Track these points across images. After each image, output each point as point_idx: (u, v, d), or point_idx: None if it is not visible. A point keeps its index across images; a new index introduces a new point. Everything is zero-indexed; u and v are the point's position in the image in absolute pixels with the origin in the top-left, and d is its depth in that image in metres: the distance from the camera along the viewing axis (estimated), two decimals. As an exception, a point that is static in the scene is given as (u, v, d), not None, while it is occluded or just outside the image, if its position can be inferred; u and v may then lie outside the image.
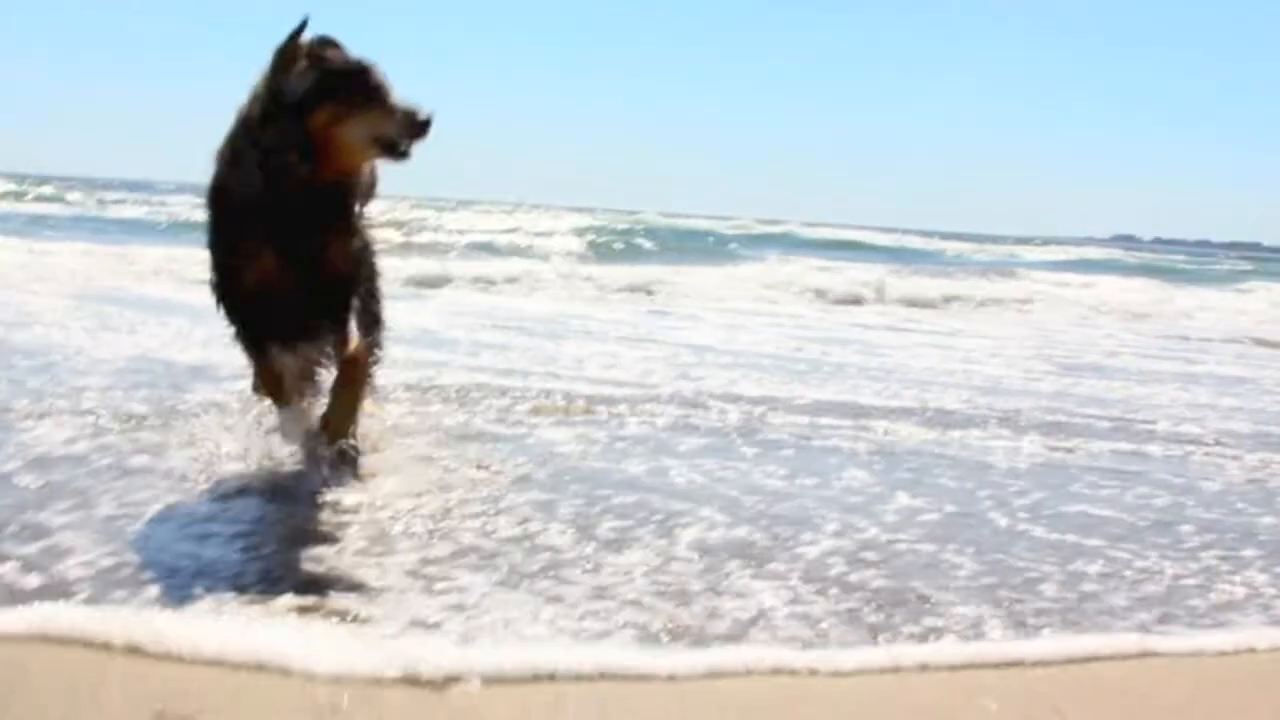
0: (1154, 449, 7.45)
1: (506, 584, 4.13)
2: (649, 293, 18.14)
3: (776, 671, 3.57)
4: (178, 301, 11.66)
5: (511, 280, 18.20)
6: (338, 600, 3.86)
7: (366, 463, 5.32)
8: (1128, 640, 3.99)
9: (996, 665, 3.75)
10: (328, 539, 4.49)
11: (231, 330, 5.03)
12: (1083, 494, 6.09)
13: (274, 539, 4.46)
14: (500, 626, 3.73)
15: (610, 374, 9.17)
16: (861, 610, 4.11)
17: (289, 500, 4.92)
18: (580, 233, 31.53)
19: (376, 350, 5.63)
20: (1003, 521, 5.44)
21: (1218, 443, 7.78)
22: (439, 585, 4.07)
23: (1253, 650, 4.02)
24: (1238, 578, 4.82)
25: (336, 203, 4.83)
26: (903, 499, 5.70)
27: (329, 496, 4.94)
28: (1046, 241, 61.23)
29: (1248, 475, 6.86)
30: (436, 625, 3.71)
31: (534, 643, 3.61)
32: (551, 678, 3.37)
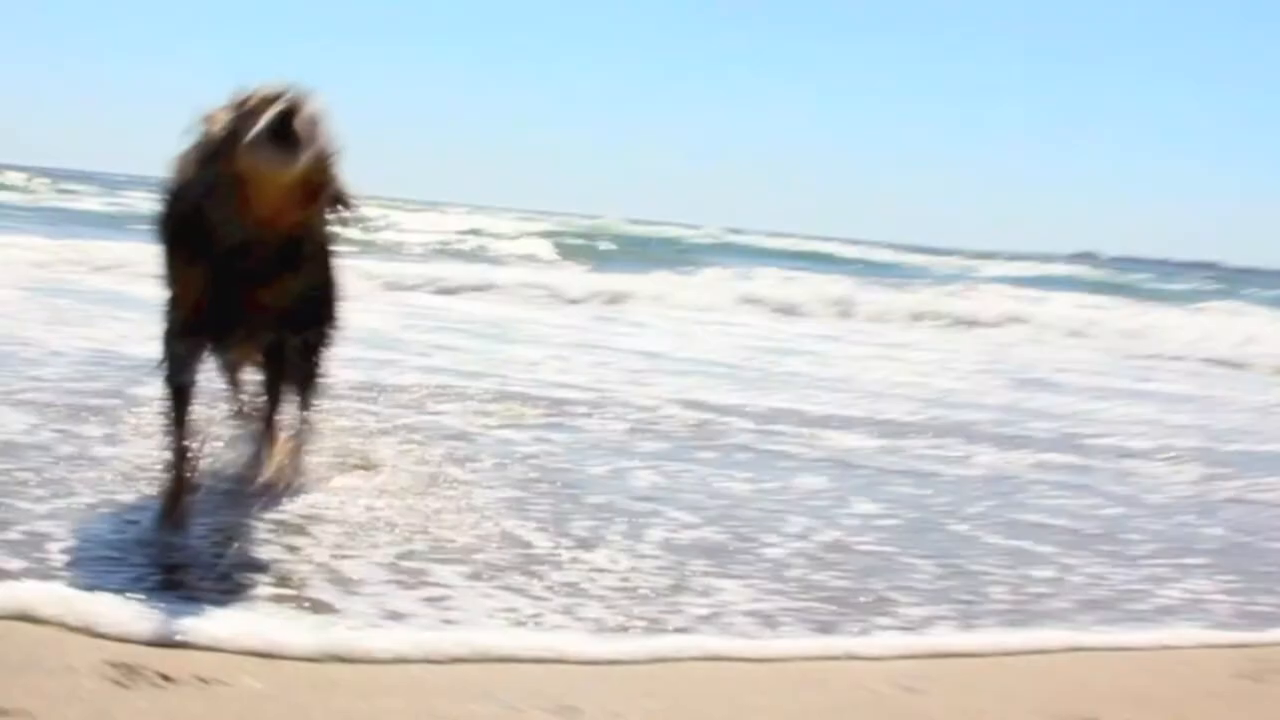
0: (1100, 462, 7.74)
1: (479, 578, 4.35)
2: (604, 299, 18.32)
3: (715, 659, 3.82)
4: (132, 295, 11.77)
5: (466, 283, 18.34)
6: (313, 591, 4.07)
7: (331, 464, 5.55)
8: (1058, 635, 4.28)
9: (933, 656, 4.01)
10: (301, 534, 4.68)
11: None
12: (1033, 503, 6.38)
13: (245, 534, 4.64)
14: (466, 617, 3.95)
15: (565, 378, 9.38)
16: (819, 608, 4.36)
17: (253, 497, 5.08)
18: (540, 237, 31.73)
19: (314, 409, 5.39)
20: (958, 528, 5.72)
21: (1163, 457, 8.07)
22: (412, 580, 4.28)
23: (1169, 647, 4.33)
24: (1181, 584, 5.11)
25: (283, 258, 4.63)
26: (861, 504, 5.96)
27: (296, 496, 5.12)
28: (1008, 256, 61.79)
29: (1192, 489, 7.16)
30: (408, 616, 3.92)
31: (484, 630, 3.86)
32: (498, 661, 3.63)
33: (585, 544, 4.89)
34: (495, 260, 25.54)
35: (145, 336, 9.05)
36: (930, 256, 51.75)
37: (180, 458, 4.70)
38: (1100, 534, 5.85)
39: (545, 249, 29.31)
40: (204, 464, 4.96)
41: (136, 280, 13.09)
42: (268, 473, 5.13)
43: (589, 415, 7.77)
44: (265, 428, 5.24)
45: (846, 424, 8.27)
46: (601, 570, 4.57)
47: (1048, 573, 5.09)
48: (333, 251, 4.97)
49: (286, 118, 4.23)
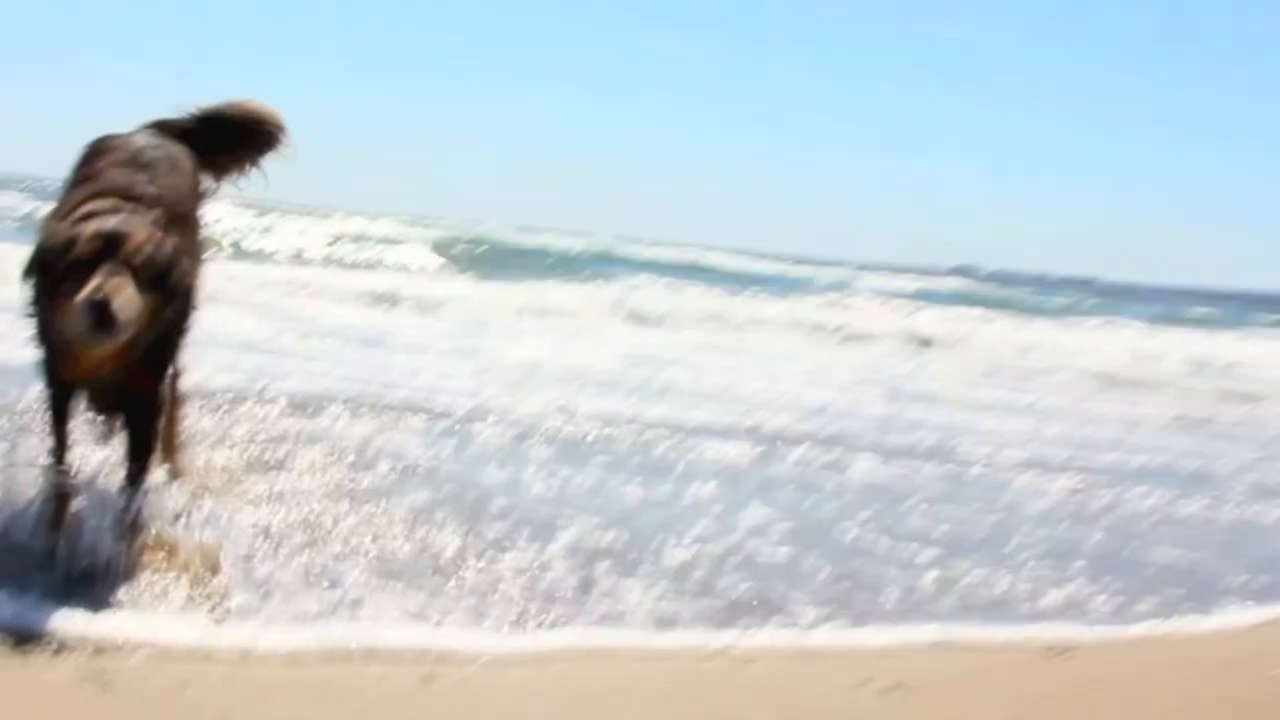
0: (978, 472, 8.13)
1: (391, 578, 4.60)
2: (482, 307, 18.46)
3: (592, 655, 4.13)
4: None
5: (344, 289, 18.36)
6: (232, 596, 4.26)
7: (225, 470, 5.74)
8: (928, 630, 4.64)
9: (816, 651, 4.34)
10: (204, 538, 4.80)
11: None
12: (917, 510, 6.74)
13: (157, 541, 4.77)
14: (370, 615, 4.19)
15: (447, 386, 9.57)
16: (721, 606, 4.69)
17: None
18: (421, 243, 31.73)
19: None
20: (851, 532, 6.06)
21: (1038, 468, 8.50)
22: (323, 583, 4.48)
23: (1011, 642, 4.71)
24: (1069, 586, 5.51)
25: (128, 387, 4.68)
26: (754, 511, 6.25)
27: (201, 507, 5.27)
28: (888, 269, 62.80)
29: (1066, 497, 7.59)
30: (318, 616, 4.14)
31: (381, 626, 4.11)
32: (388, 656, 3.90)
33: (495, 547, 5.11)
34: (374, 266, 25.58)
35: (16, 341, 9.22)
36: (812, 267, 52.42)
37: (60, 462, 4.79)
38: (983, 540, 6.22)
39: (426, 255, 29.35)
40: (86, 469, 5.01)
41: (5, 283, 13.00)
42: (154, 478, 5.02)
43: (476, 423, 7.97)
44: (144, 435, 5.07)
45: (729, 434, 8.56)
46: (513, 572, 4.81)
47: (934, 575, 5.43)
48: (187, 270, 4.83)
49: (101, 307, 4.27)
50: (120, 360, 4.53)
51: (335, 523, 5.21)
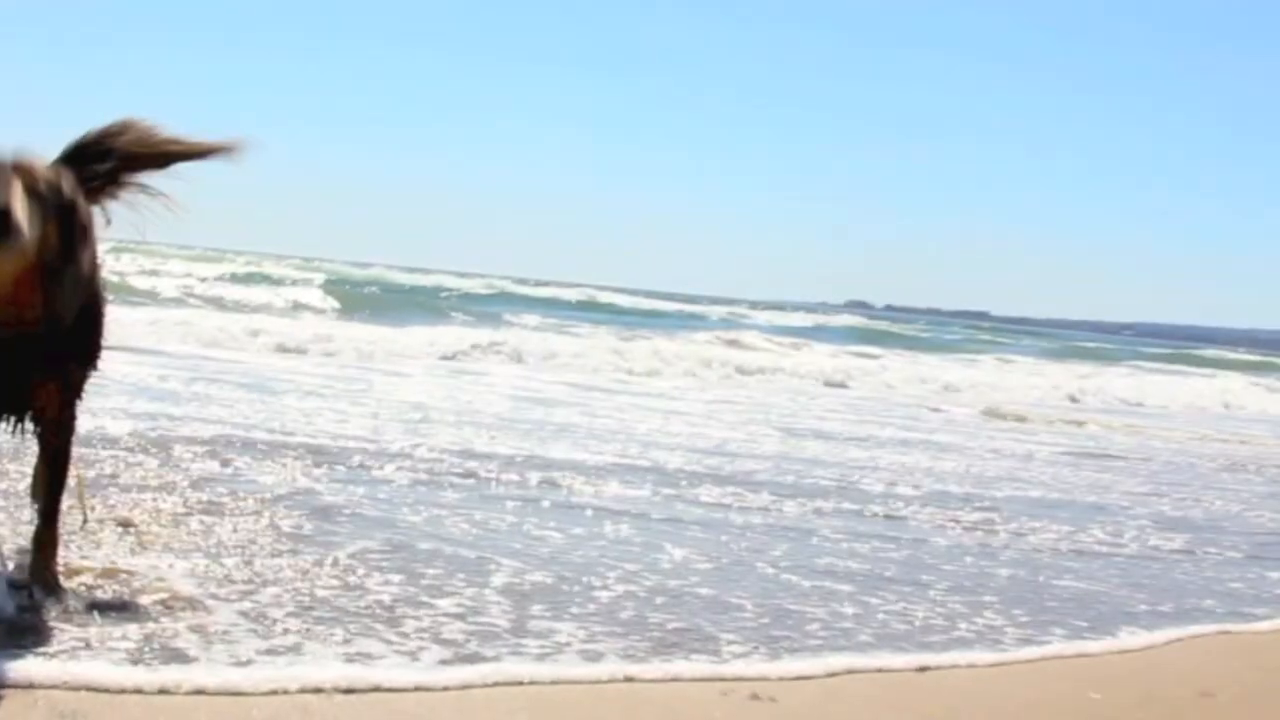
0: (878, 508, 8.44)
1: (327, 625, 4.73)
2: (368, 350, 18.52)
3: (518, 683, 4.31)
4: None
5: (227, 333, 18.33)
6: (163, 641, 4.36)
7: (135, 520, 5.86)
8: (839, 660, 4.92)
9: (739, 680, 4.59)
10: (143, 592, 4.90)
11: None
12: (826, 547, 7.01)
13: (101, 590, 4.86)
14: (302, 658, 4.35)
15: (343, 429, 9.73)
16: (654, 644, 4.88)
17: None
18: (309, 285, 31.74)
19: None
20: (768, 570, 6.30)
21: (936, 504, 8.83)
22: (263, 629, 4.61)
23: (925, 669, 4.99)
24: (979, 619, 5.78)
25: (36, 346, 4.43)
26: (672, 550, 6.50)
27: (124, 559, 5.34)
28: (780, 306, 63.61)
29: (967, 532, 7.91)
30: (249, 662, 4.26)
31: (308, 664, 4.28)
32: (315, 690, 4.06)
33: (428, 590, 5.27)
34: (262, 308, 25.59)
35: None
36: (703, 305, 53.01)
37: None
38: (894, 575, 6.49)
39: (314, 297, 29.38)
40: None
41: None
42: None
43: (381, 466, 8.15)
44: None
45: (631, 474, 8.81)
46: (448, 615, 4.97)
47: (851, 609, 5.69)
48: (97, 290, 4.69)
49: None
50: (18, 299, 4.25)
51: (264, 568, 5.34)
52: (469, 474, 8.23)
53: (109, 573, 5.03)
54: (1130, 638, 5.73)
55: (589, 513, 7.34)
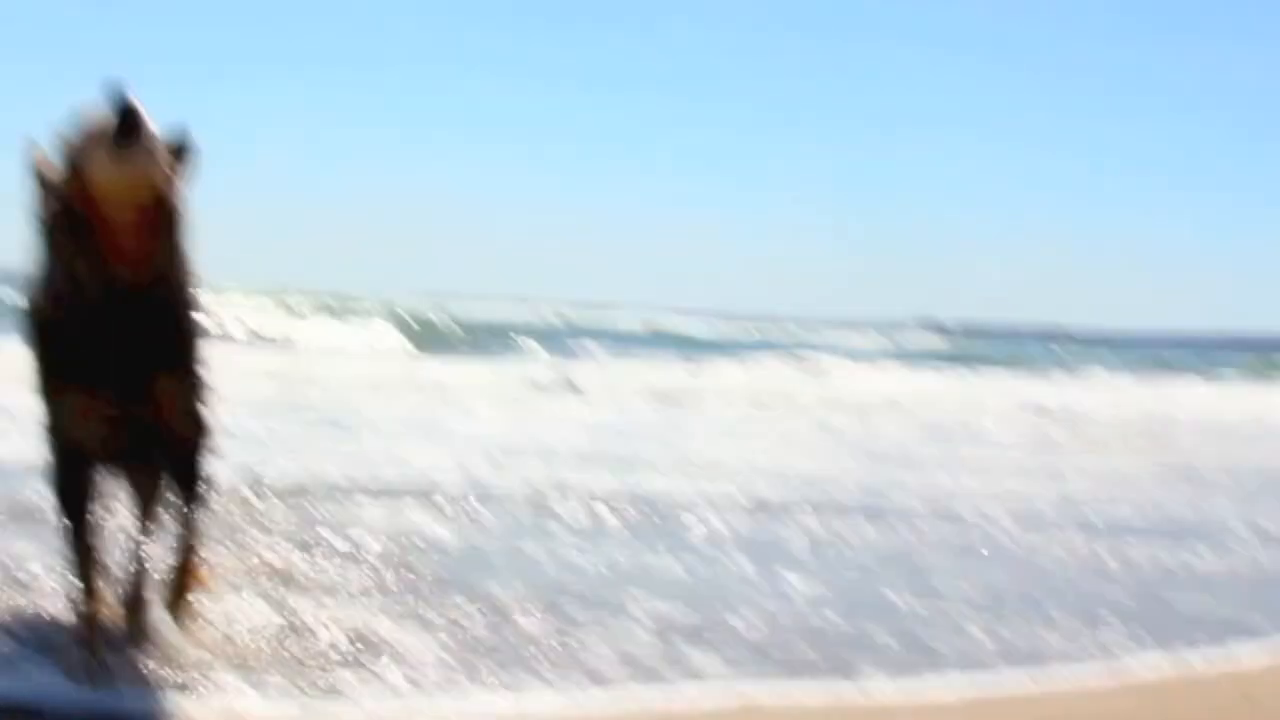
0: (982, 530, 8.74)
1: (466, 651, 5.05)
2: (439, 384, 18.69)
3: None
4: None
5: (303, 370, 18.56)
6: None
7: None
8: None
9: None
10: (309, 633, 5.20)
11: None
12: (941, 570, 7.33)
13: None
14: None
15: (437, 467, 9.99)
16: (795, 669, 5.17)
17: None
18: (378, 320, 32.10)
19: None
20: (890, 595, 6.58)
21: (1036, 525, 9.10)
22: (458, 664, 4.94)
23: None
24: (1101, 637, 6.03)
25: (156, 317, 4.41)
26: (791, 577, 6.80)
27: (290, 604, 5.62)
28: (847, 324, 63.52)
29: (1075, 551, 8.18)
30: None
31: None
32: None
33: (581, 626, 5.58)
34: (331, 347, 25.98)
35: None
36: (769, 325, 53.05)
37: (91, 597, 4.58)
38: (1013, 596, 6.76)
39: (382, 333, 29.77)
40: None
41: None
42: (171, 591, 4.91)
43: (484, 503, 8.45)
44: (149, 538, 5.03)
45: (730, 504, 9.06)
46: (599, 644, 5.30)
47: (979, 631, 5.95)
48: (195, 320, 4.65)
49: (125, 115, 4.13)
50: (138, 241, 4.27)
51: (424, 609, 5.67)
52: (569, 510, 8.48)
53: (278, 615, 5.34)
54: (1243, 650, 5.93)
55: (699, 543, 7.66)
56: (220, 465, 8.44)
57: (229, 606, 5.36)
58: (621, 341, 35.20)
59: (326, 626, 5.23)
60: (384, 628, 5.30)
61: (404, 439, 12.01)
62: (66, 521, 4.57)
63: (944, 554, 7.82)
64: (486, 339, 31.48)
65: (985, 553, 7.99)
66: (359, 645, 5.05)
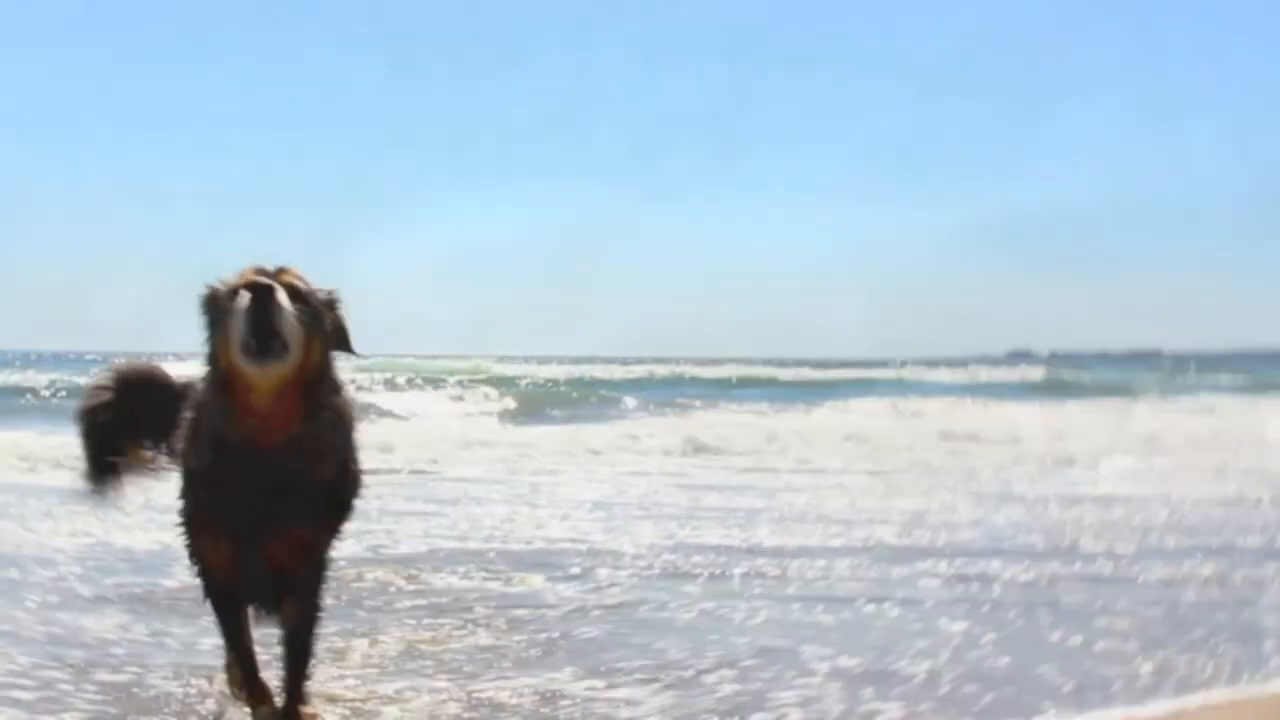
0: (1112, 564, 9.06)
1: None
2: (514, 447, 18.88)
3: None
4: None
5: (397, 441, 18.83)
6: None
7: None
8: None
9: None
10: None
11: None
12: (1082, 608, 7.64)
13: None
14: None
15: (548, 533, 10.38)
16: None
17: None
18: (443, 384, 32.47)
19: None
20: (1047, 633, 6.96)
21: (1164, 557, 9.42)
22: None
23: None
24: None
25: (294, 476, 4.59)
26: (947, 624, 7.13)
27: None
28: (933, 363, 63.25)
29: (1211, 582, 8.51)
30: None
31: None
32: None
33: (769, 684, 5.90)
34: (419, 412, 26.38)
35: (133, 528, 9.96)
36: (855, 371, 52.99)
37: (246, 690, 5.02)
38: (1165, 628, 7.11)
39: (448, 397, 30.13)
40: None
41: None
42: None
43: (612, 568, 8.74)
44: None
45: (855, 554, 9.39)
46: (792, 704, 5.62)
47: (1147, 665, 6.31)
48: (346, 411, 4.81)
49: (260, 311, 4.31)
50: (276, 412, 4.48)
51: (620, 679, 5.96)
52: (700, 567, 8.79)
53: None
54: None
55: (844, 593, 7.96)
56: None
57: (391, 688, 5.72)
58: (714, 391, 35.49)
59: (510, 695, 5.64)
60: (575, 690, 5.71)
61: (513, 504, 12.37)
62: (219, 623, 4.97)
63: (1082, 589, 8.17)
64: (580, 399, 31.81)
65: (1119, 586, 8.31)
66: (546, 711, 5.44)
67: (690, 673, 6.03)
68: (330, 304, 4.65)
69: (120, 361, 5.48)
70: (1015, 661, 6.32)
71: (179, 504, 4.80)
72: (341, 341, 4.70)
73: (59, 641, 6.52)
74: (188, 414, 4.76)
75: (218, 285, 4.57)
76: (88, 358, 36.85)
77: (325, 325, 4.58)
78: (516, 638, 6.70)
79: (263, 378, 4.38)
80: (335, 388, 4.67)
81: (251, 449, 4.49)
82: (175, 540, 4.92)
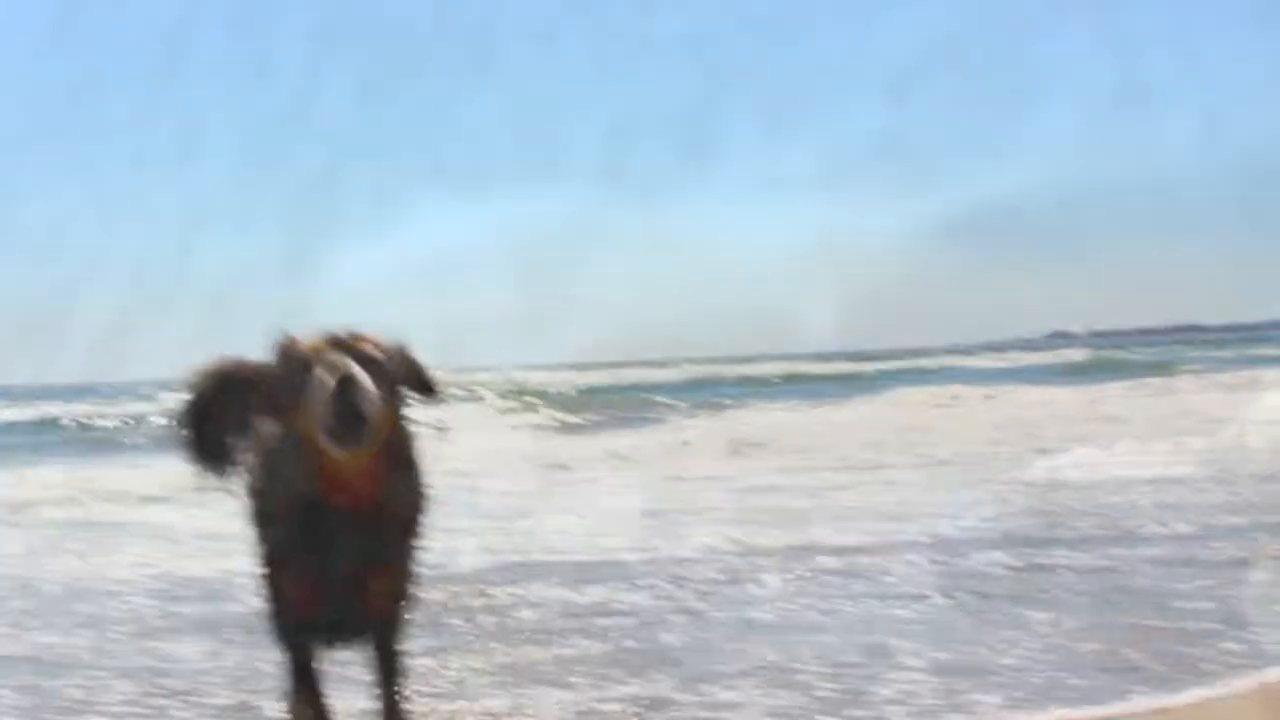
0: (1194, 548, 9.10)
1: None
2: (569, 454, 18.93)
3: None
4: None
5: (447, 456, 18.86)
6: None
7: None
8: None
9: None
10: None
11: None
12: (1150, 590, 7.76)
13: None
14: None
15: (605, 541, 10.48)
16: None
17: None
18: (483, 393, 32.61)
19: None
20: (1142, 618, 7.09)
21: (1233, 537, 9.45)
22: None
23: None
24: None
25: (370, 531, 4.62)
26: (1029, 612, 7.26)
27: None
28: (968, 351, 63.18)
29: None
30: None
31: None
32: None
33: (858, 675, 6.13)
34: (474, 426, 26.55)
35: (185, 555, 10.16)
36: (899, 361, 52.92)
37: None
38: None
39: (488, 406, 30.25)
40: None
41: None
42: None
43: (674, 573, 8.84)
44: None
45: (916, 549, 9.45)
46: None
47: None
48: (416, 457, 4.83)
49: (345, 398, 4.31)
50: (361, 482, 4.51)
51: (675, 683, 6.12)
52: (765, 569, 8.90)
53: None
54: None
55: (919, 589, 8.06)
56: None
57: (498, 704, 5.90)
58: (755, 391, 35.60)
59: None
60: (681, 698, 5.87)
61: (563, 514, 12.39)
62: (290, 660, 4.92)
63: (1155, 572, 8.32)
64: (623, 404, 31.87)
65: (1192, 568, 8.39)
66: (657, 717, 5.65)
67: (786, 674, 6.18)
68: (402, 353, 4.67)
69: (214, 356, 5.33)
70: (1103, 647, 6.47)
71: (254, 539, 4.83)
72: (423, 386, 4.74)
73: (156, 671, 6.72)
74: (261, 444, 4.80)
75: (293, 340, 4.59)
76: (60, 388, 36.97)
77: (400, 383, 4.61)
78: (602, 648, 6.86)
79: (348, 460, 4.42)
80: (408, 434, 4.72)
81: (334, 506, 4.53)
82: (236, 567, 4.96)
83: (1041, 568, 8.62)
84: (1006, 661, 6.27)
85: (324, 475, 4.46)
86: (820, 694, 5.87)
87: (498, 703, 5.93)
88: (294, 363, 4.51)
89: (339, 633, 4.86)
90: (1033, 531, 10.10)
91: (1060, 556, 8.93)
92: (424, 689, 5.87)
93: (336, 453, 4.37)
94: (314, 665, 4.90)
